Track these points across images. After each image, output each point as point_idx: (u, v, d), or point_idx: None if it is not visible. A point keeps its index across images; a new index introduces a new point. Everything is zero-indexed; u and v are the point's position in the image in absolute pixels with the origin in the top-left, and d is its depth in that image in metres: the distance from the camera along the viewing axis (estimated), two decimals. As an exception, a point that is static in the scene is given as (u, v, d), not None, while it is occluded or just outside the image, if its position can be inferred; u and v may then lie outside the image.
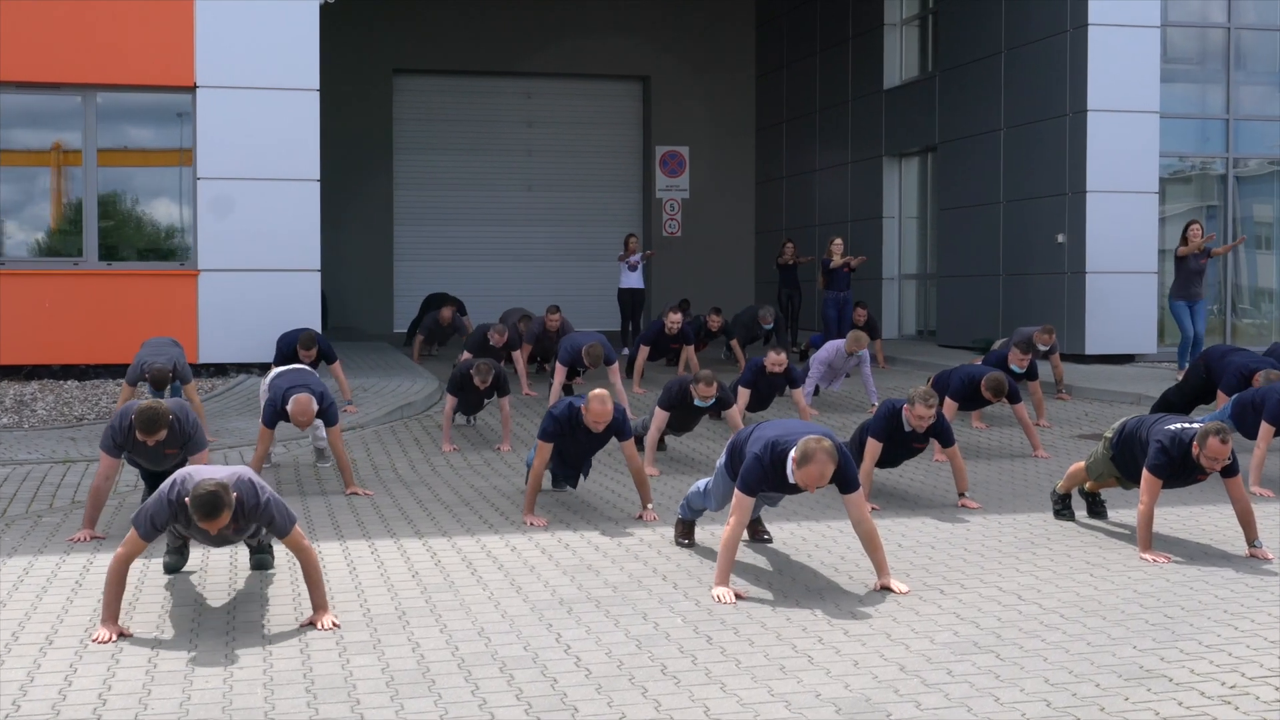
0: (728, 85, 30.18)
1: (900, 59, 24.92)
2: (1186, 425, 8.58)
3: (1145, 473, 8.55)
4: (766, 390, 13.54)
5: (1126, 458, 9.00)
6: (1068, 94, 19.39)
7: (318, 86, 17.09)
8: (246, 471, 7.05)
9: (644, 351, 17.25)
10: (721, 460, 8.26)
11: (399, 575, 8.09)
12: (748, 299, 29.16)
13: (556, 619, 7.13)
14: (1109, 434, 9.23)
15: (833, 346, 15.44)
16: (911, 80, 24.45)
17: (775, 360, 13.20)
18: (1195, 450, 8.32)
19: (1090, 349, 19.15)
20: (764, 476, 7.66)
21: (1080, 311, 19.21)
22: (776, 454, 7.63)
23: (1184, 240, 17.67)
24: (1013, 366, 14.54)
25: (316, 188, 17.11)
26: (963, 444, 13.30)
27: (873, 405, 15.47)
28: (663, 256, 29.38)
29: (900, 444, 10.26)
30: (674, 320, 17.12)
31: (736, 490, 7.72)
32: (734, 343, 19.26)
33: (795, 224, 28.13)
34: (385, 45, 28.56)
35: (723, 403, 11.80)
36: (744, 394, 13.25)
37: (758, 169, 30.41)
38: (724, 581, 7.57)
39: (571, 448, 9.89)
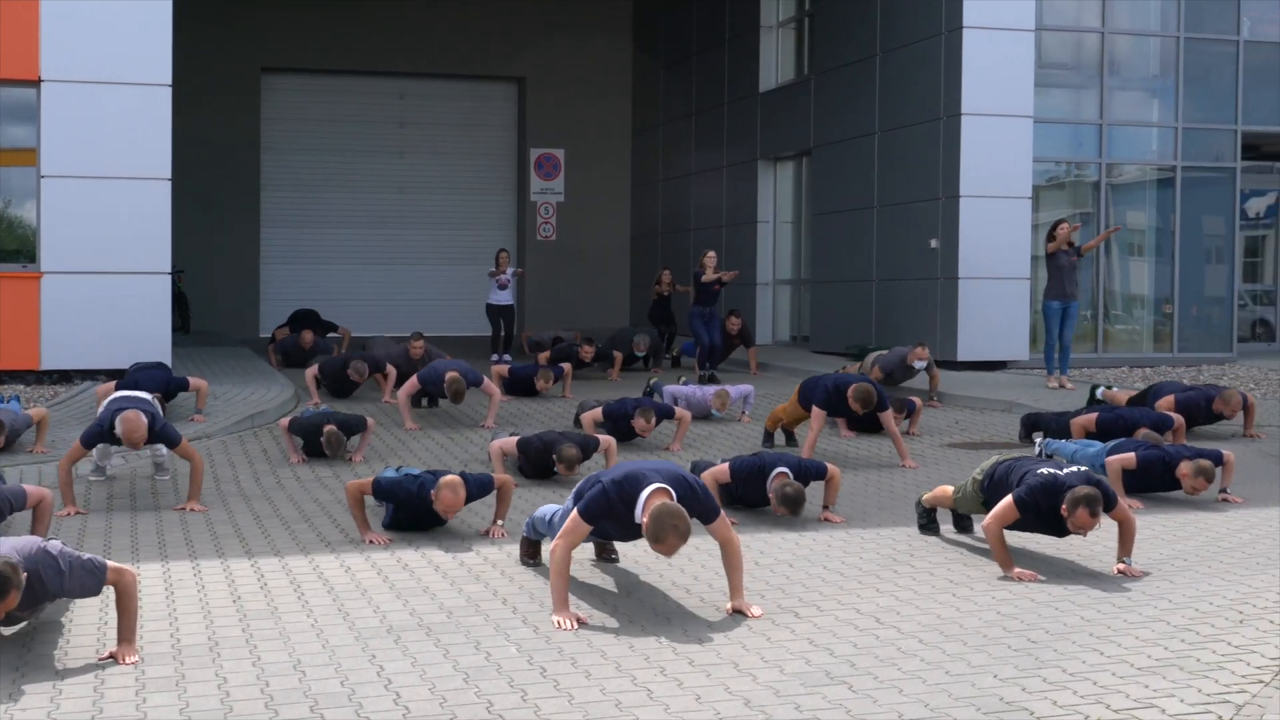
0: (604, 88, 29.76)
1: (776, 62, 24.66)
2: (1060, 475, 8.14)
3: (1009, 499, 8.18)
4: (626, 431, 13.12)
5: (995, 501, 8.59)
6: (942, 98, 19.19)
7: (170, 81, 16.37)
8: (43, 544, 6.37)
9: (502, 369, 16.81)
10: (570, 501, 7.74)
11: (219, 600, 7.51)
12: (622, 302, 28.80)
13: (381, 649, 6.59)
14: (979, 475, 8.86)
15: (703, 394, 15.23)
16: (787, 83, 24.19)
17: (642, 427, 12.82)
18: (1064, 513, 7.97)
19: (962, 355, 18.96)
20: (609, 509, 7.18)
21: (952, 318, 19.02)
22: (627, 489, 7.15)
23: (1051, 237, 17.53)
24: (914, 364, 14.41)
25: (168, 187, 16.39)
26: (831, 453, 13.02)
27: (745, 415, 15.20)
28: (537, 261, 28.90)
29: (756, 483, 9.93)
30: (542, 385, 16.54)
31: (575, 511, 7.23)
32: (617, 354, 18.97)
33: (670, 228, 27.78)
34: (253, 44, 27.77)
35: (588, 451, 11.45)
36: (598, 414, 12.93)
37: (634, 172, 30.03)
38: (563, 606, 7.08)
39: (418, 517, 9.34)
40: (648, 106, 29.52)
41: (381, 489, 9.19)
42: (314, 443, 12.33)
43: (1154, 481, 10.60)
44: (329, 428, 12.07)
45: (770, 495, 9.64)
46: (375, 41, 28.39)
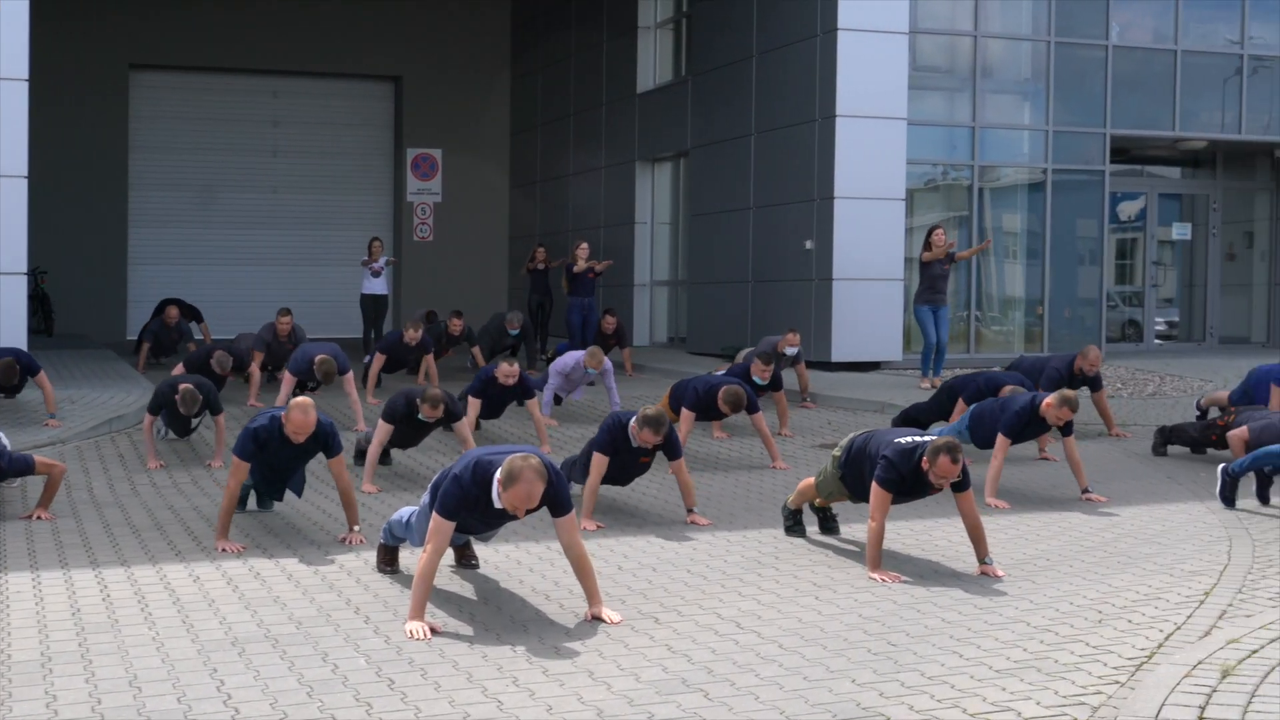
0: (482, 87, 29.50)
1: (654, 63, 24.58)
2: (917, 439, 8.22)
3: (874, 486, 8.18)
4: (498, 400, 12.96)
5: (854, 476, 8.60)
6: (817, 99, 19.21)
7: (27, 76, 15.86)
8: None
9: (380, 360, 16.48)
10: (425, 497, 7.54)
11: (57, 613, 7.19)
12: (501, 305, 28.57)
13: (224, 663, 6.34)
14: (837, 452, 8.83)
15: (572, 358, 14.93)
16: (665, 84, 24.11)
17: (507, 372, 12.64)
18: (925, 465, 7.97)
19: (837, 356, 18.99)
20: (464, 499, 6.99)
21: (827, 319, 19.04)
22: (479, 474, 6.98)
23: (927, 245, 17.61)
24: (755, 379, 14.19)
25: (24, 185, 15.87)
26: (702, 455, 12.93)
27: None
28: (414, 261, 28.56)
29: (629, 460, 9.75)
30: (412, 336, 16.42)
31: (435, 513, 7.03)
32: (476, 350, 18.65)
33: (549, 229, 27.59)
34: (121, 40, 27.14)
35: (451, 415, 11.11)
36: (474, 404, 12.62)
37: (512, 173, 29.80)
38: (419, 615, 6.88)
39: (274, 462, 9.08)
40: (526, 107, 29.29)
41: (244, 447, 8.82)
42: (176, 418, 11.99)
43: (1029, 430, 10.66)
44: (184, 386, 11.69)
45: (631, 433, 9.47)
46: (248, 39, 27.87)
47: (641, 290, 24.49)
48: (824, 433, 14.64)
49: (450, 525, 7.03)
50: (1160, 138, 21.37)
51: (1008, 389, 12.47)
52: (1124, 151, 22.43)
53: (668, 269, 24.54)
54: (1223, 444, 12.09)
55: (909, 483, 8.15)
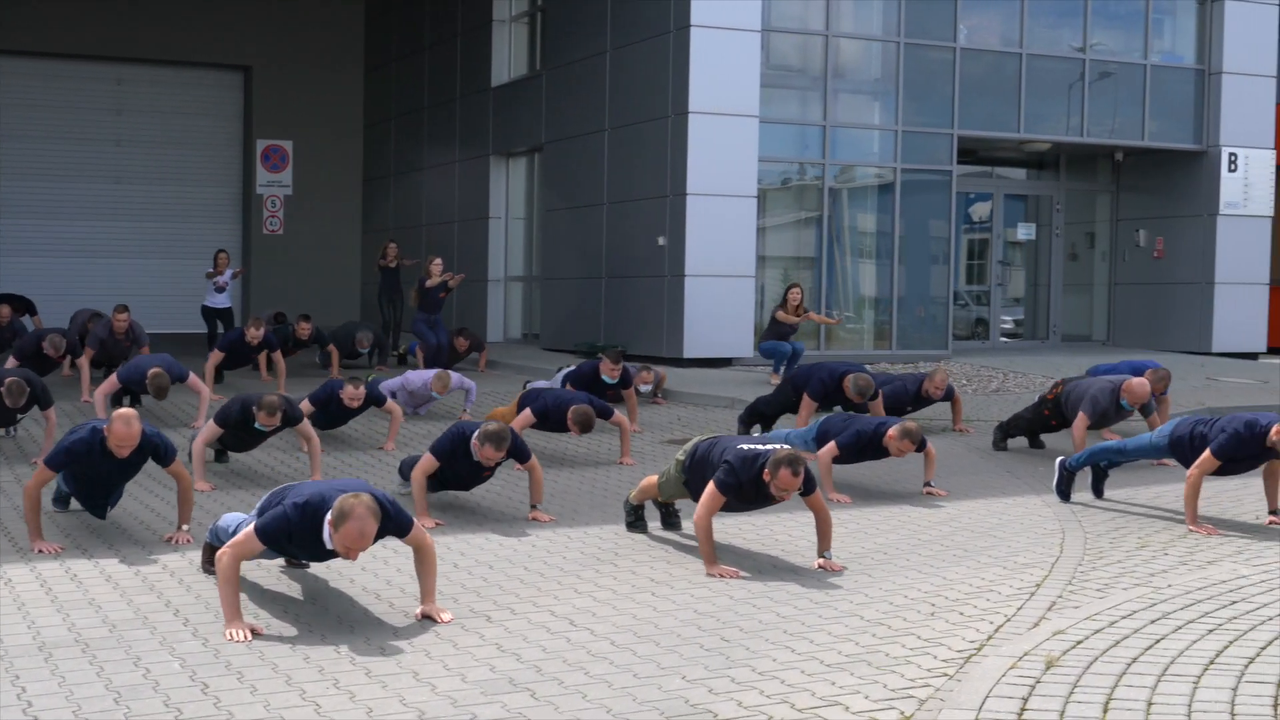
0: (335, 78, 29.01)
1: (509, 57, 24.36)
2: (760, 448, 8.13)
3: (710, 485, 8.10)
4: (339, 416, 12.74)
5: (697, 480, 8.50)
6: (670, 95, 19.17)
7: None
8: None
9: (217, 356, 16.14)
10: (253, 514, 7.31)
11: None
12: (352, 299, 28.17)
13: (28, 669, 6.06)
14: (681, 455, 8.76)
15: (419, 378, 14.83)
16: (520, 79, 23.92)
17: (351, 395, 12.52)
18: (766, 477, 7.91)
19: (689, 353, 18.96)
20: (289, 533, 6.79)
21: (679, 315, 19.01)
22: (310, 512, 6.76)
23: (784, 303, 17.72)
24: (604, 378, 14.14)
25: None
26: (552, 451, 12.80)
27: (465, 412, 14.88)
28: (264, 255, 28.02)
29: (467, 470, 9.60)
30: (254, 336, 16.06)
31: (253, 529, 6.81)
32: (332, 348, 18.42)
33: (403, 223, 27.24)
34: (-45, 23, 26.22)
35: (289, 420, 10.85)
36: (307, 407, 12.37)
37: (365, 166, 29.37)
38: (235, 617, 6.65)
39: (94, 475, 8.74)
40: (380, 100, 28.89)
41: (56, 459, 8.49)
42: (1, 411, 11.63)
43: (866, 453, 10.65)
44: (10, 379, 11.27)
45: (473, 449, 9.32)
46: (90, 24, 27.07)
47: (495, 286, 24.28)
48: (673, 429, 14.60)
49: (260, 547, 6.83)
50: (1006, 139, 21.70)
51: (850, 379, 12.63)
52: (971, 153, 22.75)
53: (522, 264, 24.36)
54: (1057, 424, 12.35)
55: (748, 490, 8.09)
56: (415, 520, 7.10)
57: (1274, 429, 8.95)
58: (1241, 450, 9.11)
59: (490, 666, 6.21)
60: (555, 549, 8.79)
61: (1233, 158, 22.01)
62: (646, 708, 5.66)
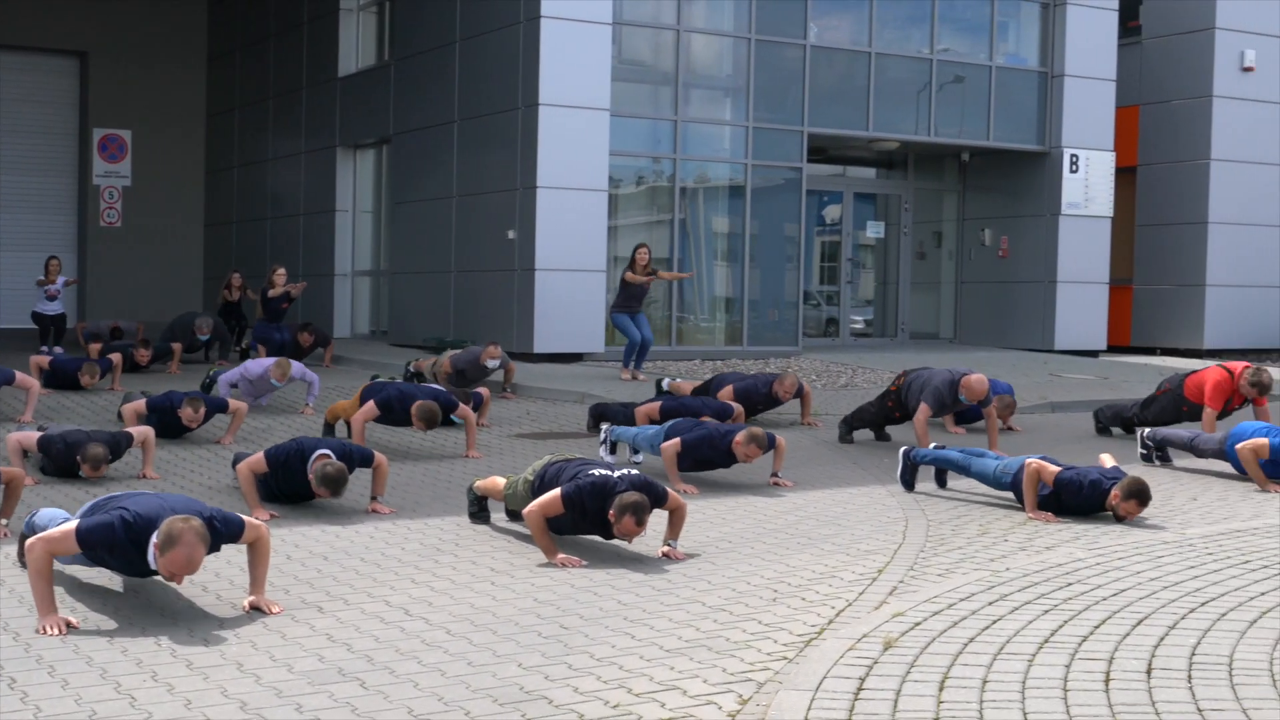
0: (176, 66, 28.30)
1: (357, 46, 23.97)
2: (612, 478, 8.01)
3: (556, 493, 7.96)
4: (174, 427, 12.36)
5: None
6: (520, 87, 18.98)
7: None
8: None
9: (44, 361, 15.59)
10: (84, 508, 7.01)
11: None
12: (194, 293, 27.52)
13: None
14: (530, 476, 8.58)
15: (260, 366, 14.46)
16: (368, 68, 23.54)
17: (190, 416, 12.16)
18: (611, 517, 7.82)
19: (539, 348, 18.78)
20: (110, 545, 6.50)
21: (529, 310, 18.82)
22: (135, 531, 6.48)
23: (632, 263, 17.61)
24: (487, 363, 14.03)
25: None
26: (394, 445, 12.57)
27: (308, 407, 14.56)
28: (101, 249, 27.24)
29: (298, 486, 9.36)
30: (87, 380, 15.44)
31: (72, 527, 6.53)
32: (176, 347, 17.94)
33: (246, 215, 26.69)
34: None
35: (114, 458, 10.59)
36: (142, 408, 12.04)
37: (208, 157, 28.70)
38: (49, 610, 6.34)
39: None
40: (223, 89, 28.24)
41: None
42: None
43: (710, 460, 10.59)
44: None
45: (310, 478, 9.08)
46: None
47: (342, 281, 23.86)
48: (522, 423, 14.44)
49: (76, 549, 6.54)
50: (855, 137, 21.87)
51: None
52: (822, 151, 22.90)
53: (369, 259, 23.98)
54: (900, 415, 12.43)
55: (590, 518, 7.98)
56: (246, 519, 6.87)
57: (1112, 494, 8.96)
58: (1081, 503, 9.16)
59: (319, 657, 6.00)
60: (394, 540, 8.58)
61: (1074, 159, 22.44)
62: (480, 695, 5.50)
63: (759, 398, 14.02)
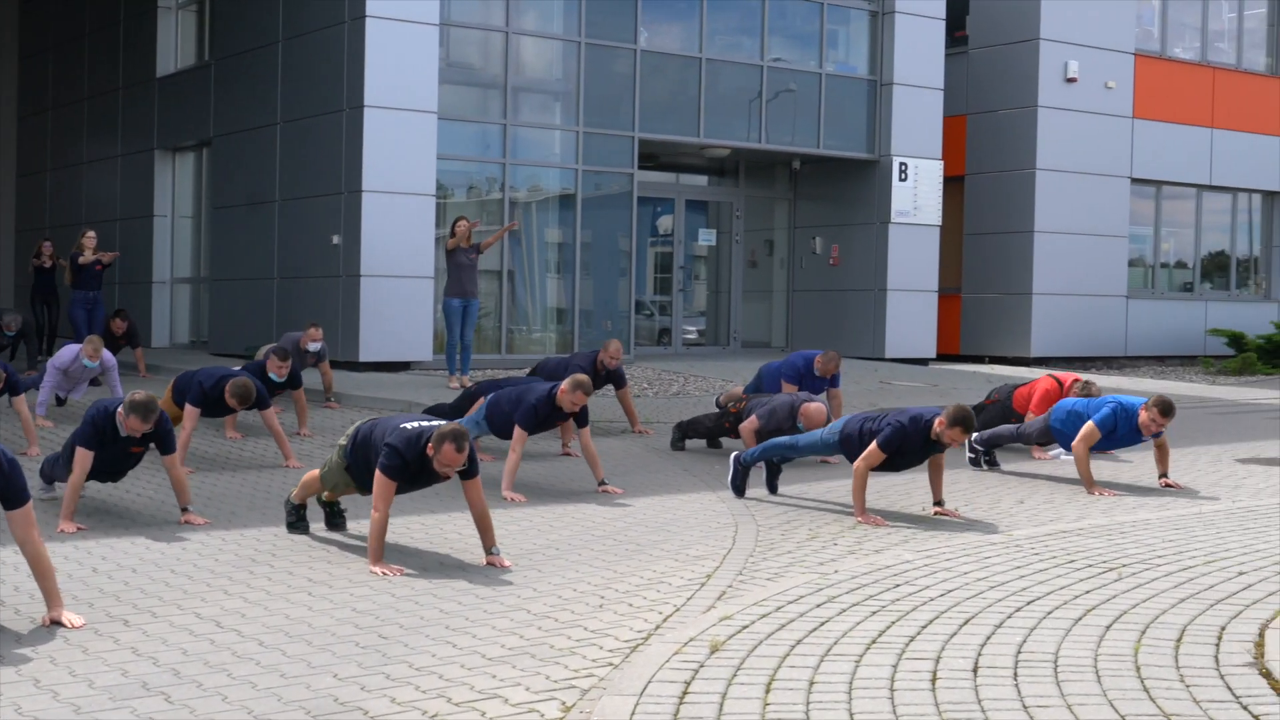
0: (-13, 66, 27.31)
1: (176, 46, 23.29)
2: (423, 424, 7.90)
3: (378, 474, 7.77)
4: None
5: (361, 465, 8.13)
6: (345, 89, 18.57)
7: None
8: None
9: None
10: None
11: None
12: (5, 301, 26.51)
13: None
14: (343, 441, 8.36)
15: (70, 351, 13.82)
16: (188, 68, 22.88)
17: None
18: (430, 451, 7.67)
19: (365, 356, 18.38)
20: None
21: (355, 317, 18.40)
22: None
23: (453, 233, 17.29)
24: (272, 375, 13.47)
25: None
26: (210, 454, 12.17)
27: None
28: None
29: (118, 452, 8.96)
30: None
31: None
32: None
33: (60, 221, 25.74)
34: None
35: None
36: None
37: (20, 159, 27.68)
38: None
39: None
40: (36, 89, 27.25)
41: None
42: None
43: (544, 423, 10.57)
44: None
45: (118, 421, 8.77)
46: None
47: (161, 288, 23.14)
48: (343, 433, 14.03)
49: None
50: (686, 144, 21.85)
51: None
52: (653, 157, 22.85)
53: (189, 265, 23.30)
54: (735, 433, 12.33)
55: (413, 468, 7.79)
56: (27, 504, 6.49)
57: (937, 421, 9.08)
58: (906, 443, 9.23)
59: (122, 671, 5.69)
60: (208, 551, 8.24)
61: (903, 167, 22.71)
62: (292, 707, 5.25)
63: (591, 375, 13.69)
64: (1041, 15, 23.67)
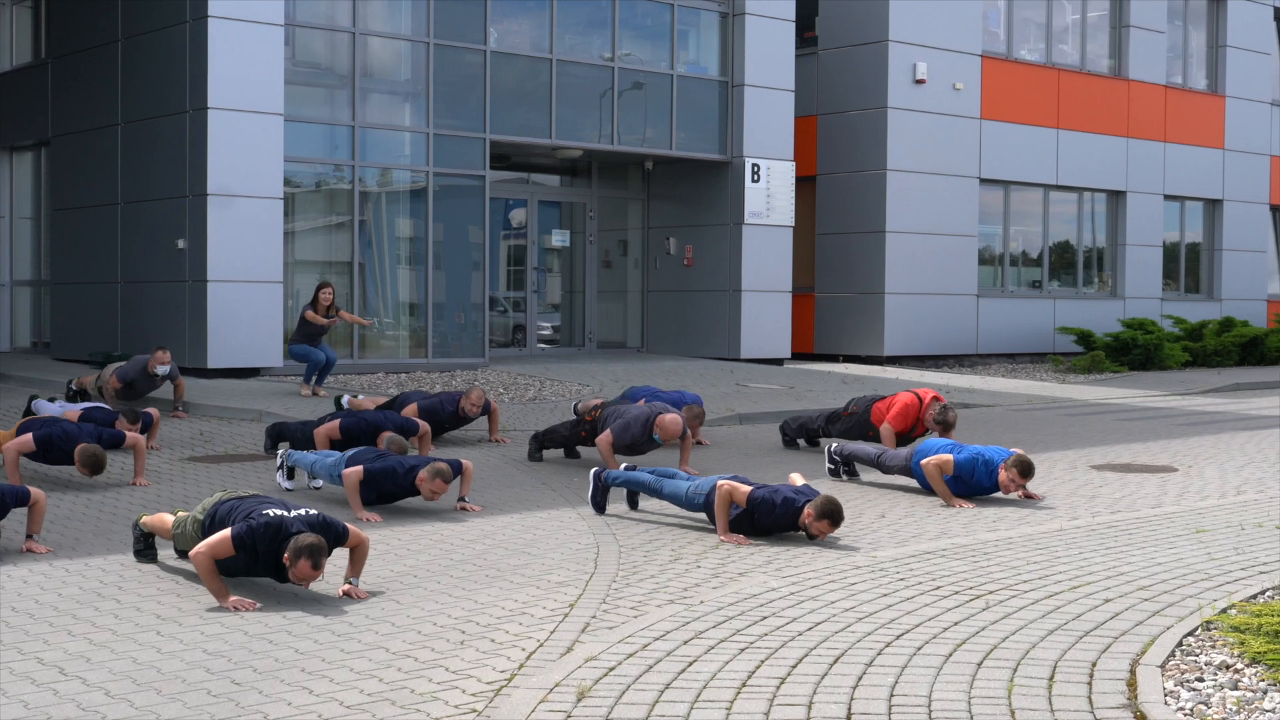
0: None
1: (11, 42, 22.50)
2: (287, 517, 7.62)
3: (226, 533, 7.54)
4: None
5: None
6: (188, 90, 18.06)
7: None
8: None
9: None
10: None
11: None
12: None
13: None
14: (200, 515, 8.11)
15: None
16: (24, 66, 22.12)
17: None
18: (286, 561, 7.42)
19: (213, 363, 17.92)
20: None
21: (202, 323, 17.93)
22: None
23: (315, 303, 16.96)
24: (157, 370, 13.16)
25: None
26: (53, 474, 11.73)
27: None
28: None
29: None
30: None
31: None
32: None
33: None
34: None
35: None
36: None
37: None
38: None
39: None
40: None
41: None
42: None
43: (394, 493, 10.21)
44: None
45: None
46: None
47: (0, 291, 22.40)
48: (195, 445, 13.68)
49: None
50: (538, 145, 21.65)
51: (385, 436, 11.90)
52: (506, 158, 22.63)
53: (29, 268, 22.54)
54: (592, 443, 12.21)
55: (263, 559, 7.57)
56: None
57: (805, 511, 8.92)
58: (772, 521, 9.12)
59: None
60: (50, 584, 7.90)
61: (755, 168, 22.78)
62: (138, 772, 5.00)
63: (445, 416, 13.70)
64: (890, 17, 23.88)
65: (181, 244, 18.20)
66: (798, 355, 24.71)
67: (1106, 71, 27.79)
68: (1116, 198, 28.05)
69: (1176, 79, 29.14)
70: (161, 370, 15.12)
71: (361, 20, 19.54)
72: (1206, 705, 5.25)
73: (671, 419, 11.67)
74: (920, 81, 24.22)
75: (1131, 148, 27.84)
